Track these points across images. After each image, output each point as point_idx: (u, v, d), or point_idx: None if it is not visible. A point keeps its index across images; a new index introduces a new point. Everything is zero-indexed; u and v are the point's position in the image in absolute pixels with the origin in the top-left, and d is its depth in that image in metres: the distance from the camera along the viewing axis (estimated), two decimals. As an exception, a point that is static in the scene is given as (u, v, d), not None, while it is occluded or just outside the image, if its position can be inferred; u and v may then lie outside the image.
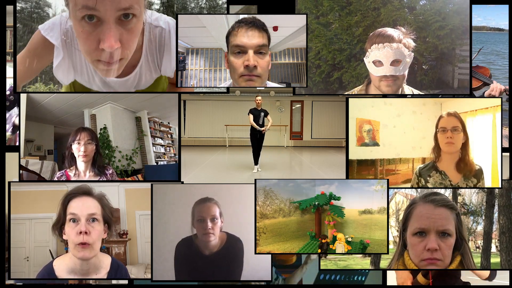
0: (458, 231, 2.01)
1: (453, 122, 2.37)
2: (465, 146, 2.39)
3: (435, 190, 2.40)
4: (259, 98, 5.25)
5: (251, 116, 5.28)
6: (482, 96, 2.66)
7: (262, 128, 5.27)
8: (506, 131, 2.60)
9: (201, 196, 2.35)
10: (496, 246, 2.45)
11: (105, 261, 2.05)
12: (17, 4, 2.43)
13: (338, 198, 2.42)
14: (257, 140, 5.30)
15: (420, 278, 2.33)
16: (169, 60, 2.29)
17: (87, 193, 1.99)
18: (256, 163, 5.25)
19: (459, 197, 2.46)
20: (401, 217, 2.39)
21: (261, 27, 2.26)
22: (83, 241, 1.92)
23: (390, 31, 2.37)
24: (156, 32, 2.23)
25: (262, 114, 5.28)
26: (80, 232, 1.92)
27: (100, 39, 1.93)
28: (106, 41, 1.91)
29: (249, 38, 2.22)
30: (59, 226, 1.97)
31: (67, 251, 1.99)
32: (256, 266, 2.39)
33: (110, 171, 2.47)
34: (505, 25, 2.61)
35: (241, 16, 2.35)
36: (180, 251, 2.33)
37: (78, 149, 2.37)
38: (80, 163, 2.40)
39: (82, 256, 1.93)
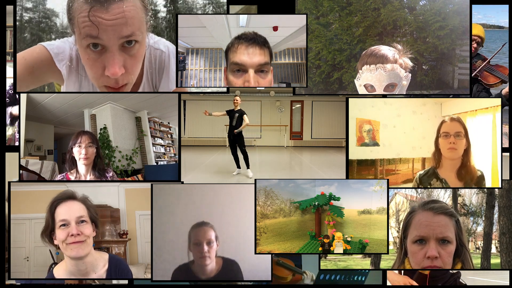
0: (458, 238, 2.00)
1: (456, 127, 2.33)
2: (467, 152, 2.34)
3: (434, 197, 2.39)
4: (237, 97, 4.91)
5: (218, 113, 5.01)
6: (499, 96, 2.64)
7: (235, 130, 4.90)
8: (506, 128, 2.59)
9: (201, 196, 2.35)
10: (496, 247, 2.45)
11: (102, 259, 2.05)
12: (25, 14, 2.44)
13: (338, 199, 2.43)
14: (231, 141, 4.98)
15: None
16: (166, 82, 2.34)
17: (71, 197, 2.02)
18: (238, 166, 4.96)
19: (459, 198, 2.46)
20: (401, 217, 2.39)
21: (263, 44, 2.18)
22: (75, 241, 1.95)
23: (384, 49, 2.18)
24: (156, 54, 2.27)
25: (237, 115, 4.90)
26: (72, 235, 1.95)
27: (105, 66, 1.99)
28: (110, 68, 1.98)
29: (250, 56, 2.14)
30: (48, 233, 2.00)
31: (58, 255, 2.04)
32: (256, 266, 2.39)
33: (111, 174, 2.48)
34: (505, 22, 2.60)
35: (242, 31, 2.28)
36: (177, 277, 2.34)
37: (79, 152, 2.38)
38: (81, 166, 2.41)
39: (76, 253, 1.95)
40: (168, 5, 2.50)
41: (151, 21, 2.12)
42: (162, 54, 2.29)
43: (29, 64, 2.19)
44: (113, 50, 1.96)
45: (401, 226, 2.30)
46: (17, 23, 2.42)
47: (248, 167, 4.93)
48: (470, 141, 2.35)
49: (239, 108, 4.89)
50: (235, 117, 4.90)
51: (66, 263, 2.00)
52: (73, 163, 2.42)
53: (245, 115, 4.88)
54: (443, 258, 1.98)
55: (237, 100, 4.87)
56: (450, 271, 2.31)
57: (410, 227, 2.05)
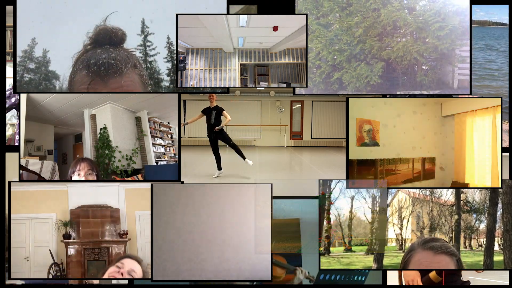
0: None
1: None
2: None
3: (433, 236, 2.35)
4: (213, 94, 4.66)
5: (194, 118, 4.89)
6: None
7: (217, 127, 4.77)
8: (506, 126, 2.59)
9: (201, 196, 2.35)
10: (499, 244, 2.44)
11: None
12: (26, 75, 2.46)
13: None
14: (211, 141, 4.84)
15: (433, 275, 2.30)
16: None
17: (139, 261, 2.39)
18: (218, 167, 4.81)
19: (462, 195, 2.45)
20: (403, 215, 2.39)
21: None
22: (117, 276, 2.28)
23: None
24: None
25: (214, 112, 4.74)
26: (121, 274, 2.30)
27: None
28: None
29: None
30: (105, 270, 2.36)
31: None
32: (256, 266, 2.39)
33: None
34: (507, 19, 2.59)
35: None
36: None
37: None
38: None
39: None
40: (171, 74, 2.50)
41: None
42: None
43: None
44: None
45: (402, 227, 2.29)
46: (17, 83, 2.46)
47: (244, 158, 4.83)
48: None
49: (215, 104, 4.74)
50: (213, 115, 4.77)
51: None
52: None
53: (224, 111, 4.74)
54: None
55: (213, 96, 4.71)
56: (461, 279, 2.29)
57: (408, 267, 1.98)
